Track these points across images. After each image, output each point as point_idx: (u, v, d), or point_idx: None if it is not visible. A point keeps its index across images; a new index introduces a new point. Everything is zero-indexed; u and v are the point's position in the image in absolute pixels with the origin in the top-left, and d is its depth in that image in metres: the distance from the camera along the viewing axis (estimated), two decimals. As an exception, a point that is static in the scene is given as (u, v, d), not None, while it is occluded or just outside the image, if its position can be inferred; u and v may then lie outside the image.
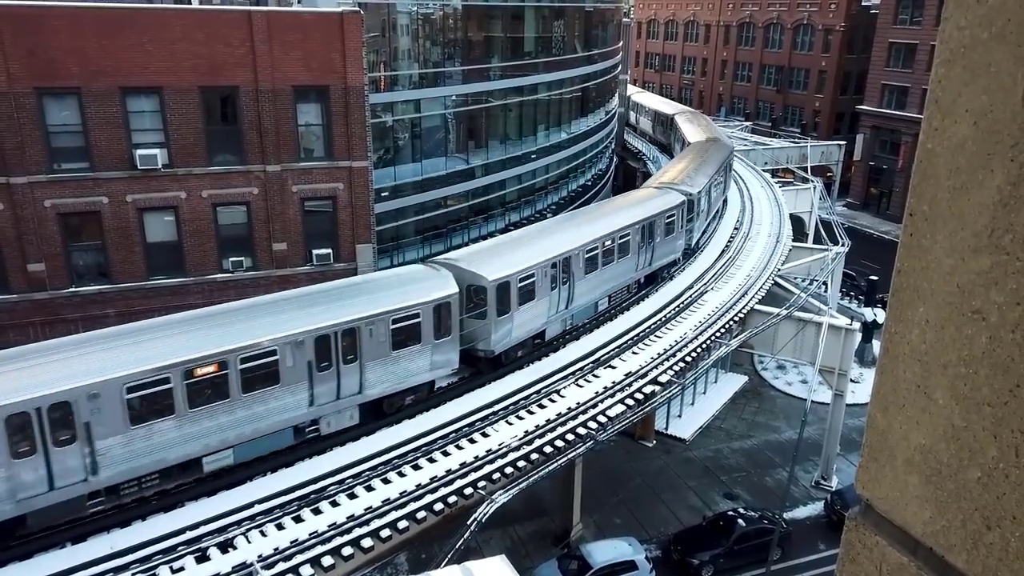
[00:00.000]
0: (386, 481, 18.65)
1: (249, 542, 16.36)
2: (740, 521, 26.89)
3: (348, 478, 18.60)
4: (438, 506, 18.06)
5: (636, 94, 74.95)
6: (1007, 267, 1.34)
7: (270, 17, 25.82)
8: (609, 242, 28.04)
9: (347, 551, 16.51)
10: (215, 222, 26.27)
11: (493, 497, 18.47)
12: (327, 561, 16.20)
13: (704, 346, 27.09)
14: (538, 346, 25.62)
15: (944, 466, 1.49)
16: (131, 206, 24.94)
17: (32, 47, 22.71)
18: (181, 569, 15.62)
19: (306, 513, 17.37)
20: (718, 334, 28.09)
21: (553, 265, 25.11)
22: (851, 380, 32.21)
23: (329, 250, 27.82)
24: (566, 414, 21.84)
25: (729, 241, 38.30)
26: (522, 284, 23.78)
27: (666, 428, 34.35)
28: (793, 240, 39.62)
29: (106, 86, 23.80)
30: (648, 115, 67.93)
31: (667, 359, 25.43)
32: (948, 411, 1.47)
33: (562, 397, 22.85)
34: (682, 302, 30.17)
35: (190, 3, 28.86)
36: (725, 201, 43.86)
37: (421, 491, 18.32)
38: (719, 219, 41.34)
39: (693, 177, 36.19)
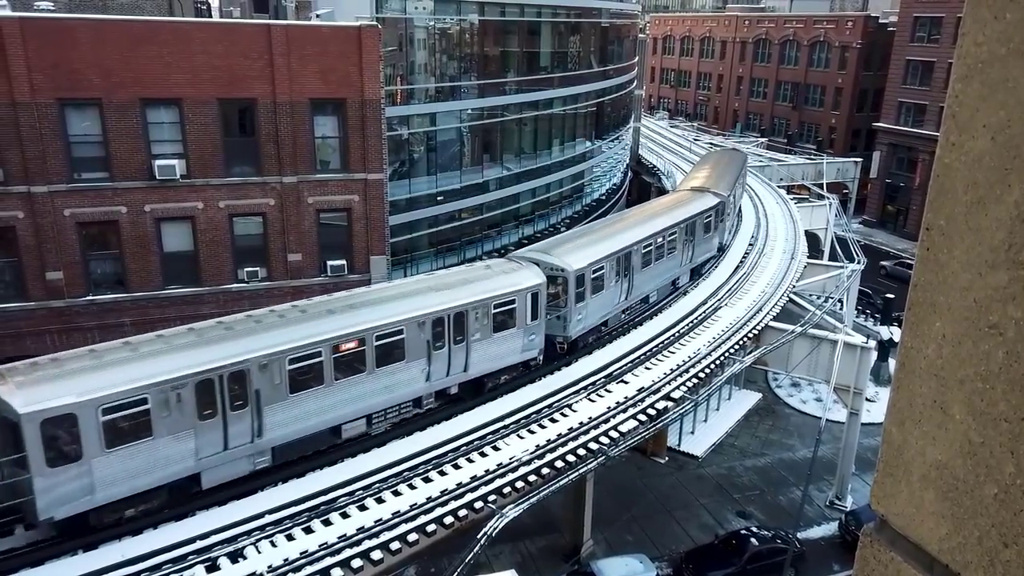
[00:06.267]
0: (396, 493, 18.64)
1: (259, 552, 16.38)
2: (753, 540, 26.59)
3: (358, 490, 18.60)
4: (448, 519, 18.01)
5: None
6: (1024, 282, 1.34)
7: (289, 31, 26.10)
8: (660, 239, 30.43)
9: (356, 563, 16.48)
10: (231, 232, 26.48)
11: (503, 511, 18.40)
12: (336, 573, 16.17)
13: (718, 362, 26.92)
14: (599, 337, 27.74)
15: (960, 482, 1.47)
16: (149, 216, 25.19)
17: (55, 59, 23.06)
18: (191, 578, 15.66)
19: (316, 524, 17.37)
20: (732, 350, 27.93)
21: (618, 259, 27.58)
22: (866, 399, 31.88)
23: (343, 261, 27.94)
24: (577, 429, 21.75)
25: (744, 256, 38.14)
26: (595, 275, 26.17)
27: (679, 444, 34.10)
28: (808, 257, 39.39)
29: (127, 98, 24.12)
30: None
31: (680, 375, 25.31)
32: (965, 427, 1.46)
33: (574, 412, 22.77)
34: (696, 318, 30.04)
35: (210, 17, 29.22)
36: (740, 215, 43.79)
37: (432, 504, 18.28)
38: (734, 233, 41.22)
39: (720, 181, 37.93)
